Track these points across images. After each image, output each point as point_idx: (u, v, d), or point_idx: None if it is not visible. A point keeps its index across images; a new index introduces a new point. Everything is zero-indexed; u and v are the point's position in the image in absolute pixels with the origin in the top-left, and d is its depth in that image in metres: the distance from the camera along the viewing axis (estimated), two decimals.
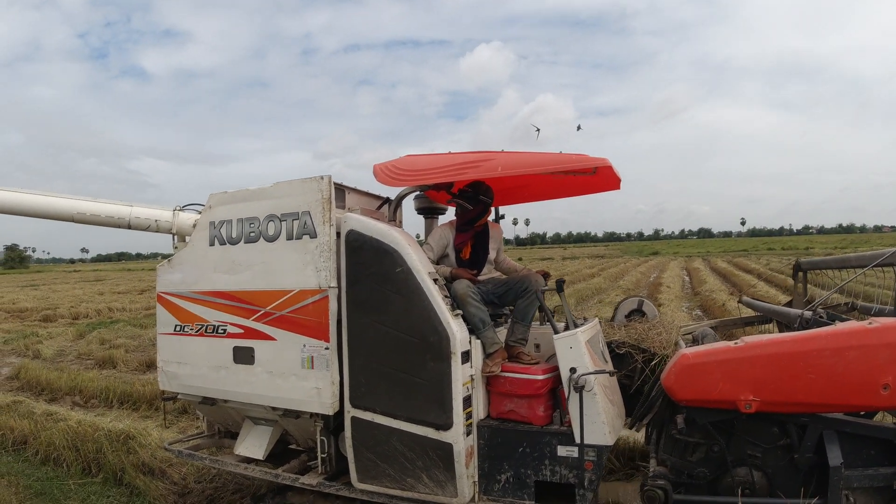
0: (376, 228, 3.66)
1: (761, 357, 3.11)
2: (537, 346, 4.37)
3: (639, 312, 5.15)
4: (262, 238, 4.01)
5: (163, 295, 4.57)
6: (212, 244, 4.27)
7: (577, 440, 3.37)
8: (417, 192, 4.45)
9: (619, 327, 4.73)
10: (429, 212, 4.87)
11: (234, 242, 4.15)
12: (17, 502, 5.35)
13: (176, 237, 4.98)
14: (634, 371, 4.29)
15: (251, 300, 4.06)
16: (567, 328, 3.64)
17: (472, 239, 4.19)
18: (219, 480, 5.51)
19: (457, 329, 3.45)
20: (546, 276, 4.13)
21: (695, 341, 4.26)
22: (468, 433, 3.50)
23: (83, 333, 15.43)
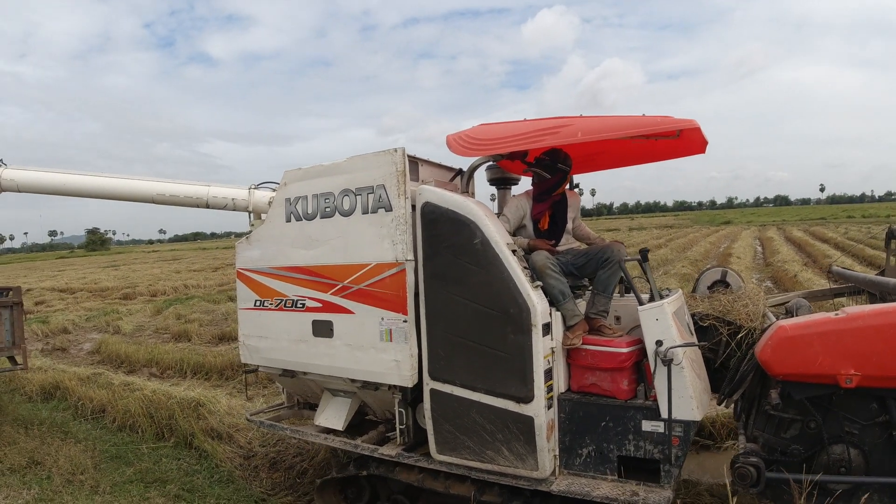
0: (452, 200, 3.62)
1: (865, 329, 2.93)
2: (618, 318, 4.25)
3: (722, 283, 4.94)
4: (337, 213, 4.03)
5: (242, 271, 4.68)
6: (288, 220, 4.33)
7: (664, 415, 3.26)
8: (490, 163, 4.37)
9: (702, 299, 4.55)
10: (502, 182, 4.78)
11: (310, 218, 4.20)
12: (93, 465, 5.71)
13: (252, 215, 5.10)
14: (719, 344, 4.13)
15: (329, 274, 4.11)
16: (651, 299, 3.52)
17: (550, 209, 4.09)
18: (281, 445, 5.77)
19: (537, 301, 3.39)
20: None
21: (788, 313, 4.06)
22: (549, 406, 3.45)
23: (160, 309, 16.16)
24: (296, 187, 4.28)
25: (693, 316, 4.20)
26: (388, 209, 3.76)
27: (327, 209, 4.09)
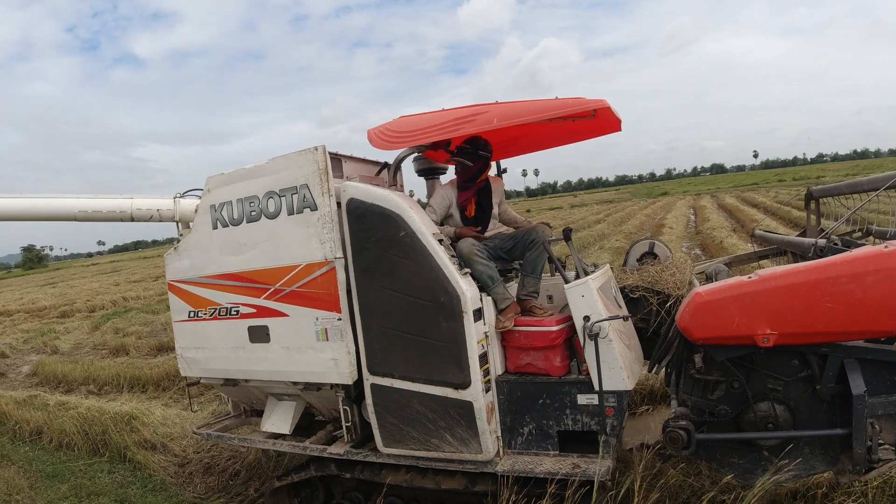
0: (377, 194, 3.62)
1: (776, 289, 3.04)
2: (550, 297, 4.34)
3: (651, 255, 5.10)
4: (263, 216, 3.99)
5: (173, 283, 4.59)
6: (215, 227, 4.25)
7: (596, 387, 3.37)
8: (416, 154, 4.39)
9: (632, 271, 4.69)
10: (429, 172, 4.81)
11: (236, 223, 4.14)
12: (28, 485, 5.73)
13: (180, 224, 4.97)
14: (650, 314, 4.26)
15: (260, 279, 4.06)
16: (577, 277, 3.61)
17: (476, 195, 4.14)
18: (215, 450, 5.83)
19: (466, 288, 3.43)
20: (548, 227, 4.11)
21: (708, 279, 4.22)
22: (487, 390, 3.51)
23: (98, 325, 15.79)
24: (220, 193, 4.21)
25: (623, 288, 4.33)
26: (314, 208, 3.74)
27: (253, 213, 4.03)
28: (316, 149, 3.70)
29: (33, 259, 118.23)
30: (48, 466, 6.30)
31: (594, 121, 3.90)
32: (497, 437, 3.60)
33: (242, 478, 5.40)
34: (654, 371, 3.87)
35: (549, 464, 3.45)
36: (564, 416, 3.52)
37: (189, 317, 4.53)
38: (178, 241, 4.66)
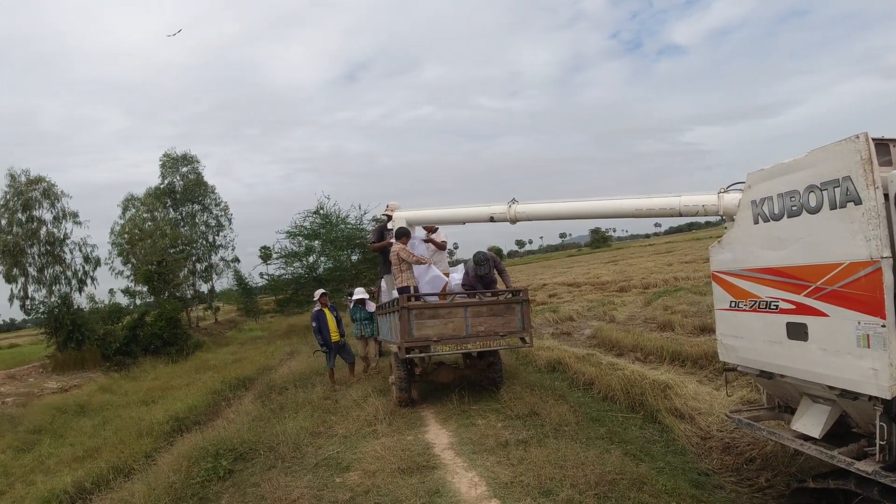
0: None
1: None
2: None
3: None
4: (804, 210, 3.93)
5: (717, 273, 4.92)
6: (755, 222, 4.39)
7: None
8: None
9: None
10: None
11: (776, 218, 4.18)
12: (575, 421, 7.07)
13: (725, 218, 5.28)
14: None
15: (799, 275, 4.02)
16: None
17: None
18: (737, 433, 5.97)
19: None
20: None
21: None
22: None
23: (650, 301, 17.36)
24: (760, 188, 4.32)
25: None
26: (857, 202, 3.50)
27: (793, 208, 4.01)
28: (857, 137, 3.47)
29: (599, 239, 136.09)
30: (593, 411, 7.67)
31: None
32: None
33: (757, 465, 5.49)
34: None
35: None
36: None
37: (730, 306, 4.78)
38: (727, 230, 4.94)
